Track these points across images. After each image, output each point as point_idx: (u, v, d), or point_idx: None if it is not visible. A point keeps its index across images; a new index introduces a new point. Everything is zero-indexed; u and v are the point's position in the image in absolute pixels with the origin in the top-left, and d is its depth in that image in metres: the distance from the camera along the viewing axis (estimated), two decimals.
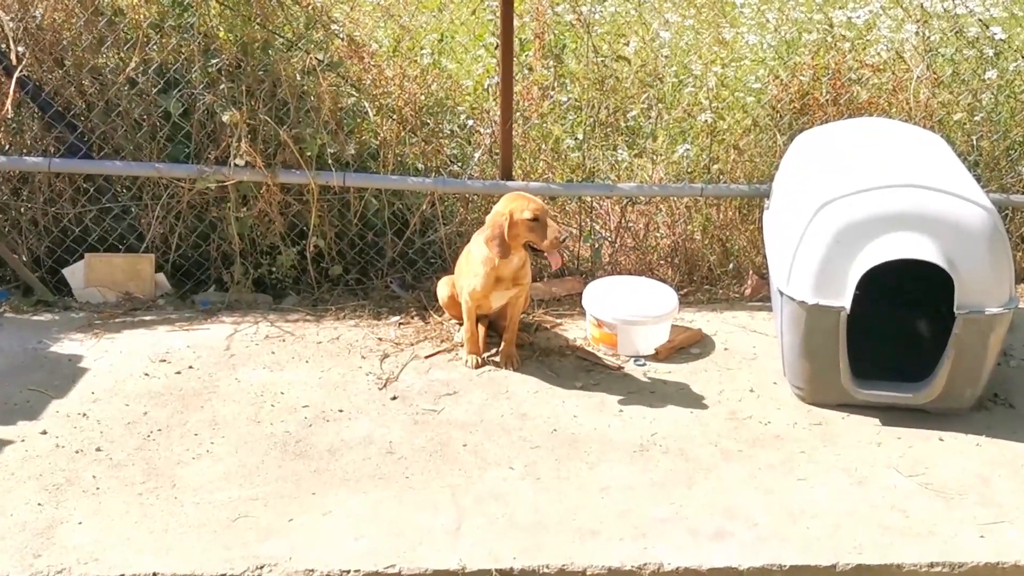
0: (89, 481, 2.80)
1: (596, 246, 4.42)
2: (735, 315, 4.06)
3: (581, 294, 3.85)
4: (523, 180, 4.25)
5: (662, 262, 4.53)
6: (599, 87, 4.36)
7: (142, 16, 3.88)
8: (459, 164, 4.37)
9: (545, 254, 3.19)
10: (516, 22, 3.97)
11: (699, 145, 4.36)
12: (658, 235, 4.56)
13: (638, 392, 3.37)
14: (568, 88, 4.45)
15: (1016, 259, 4.12)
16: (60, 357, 3.47)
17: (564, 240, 3.15)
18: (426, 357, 3.58)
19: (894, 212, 3.01)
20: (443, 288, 3.75)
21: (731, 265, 4.40)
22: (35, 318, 3.80)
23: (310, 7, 3.99)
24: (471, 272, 3.39)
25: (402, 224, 4.25)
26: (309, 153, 3.90)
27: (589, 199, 4.51)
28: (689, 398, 3.33)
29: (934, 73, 4.29)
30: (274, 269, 4.14)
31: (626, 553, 2.57)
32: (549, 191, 4.20)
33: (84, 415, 3.12)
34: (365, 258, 4.25)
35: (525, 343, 3.70)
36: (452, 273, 3.81)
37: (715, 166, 4.35)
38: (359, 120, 4.16)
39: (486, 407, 3.24)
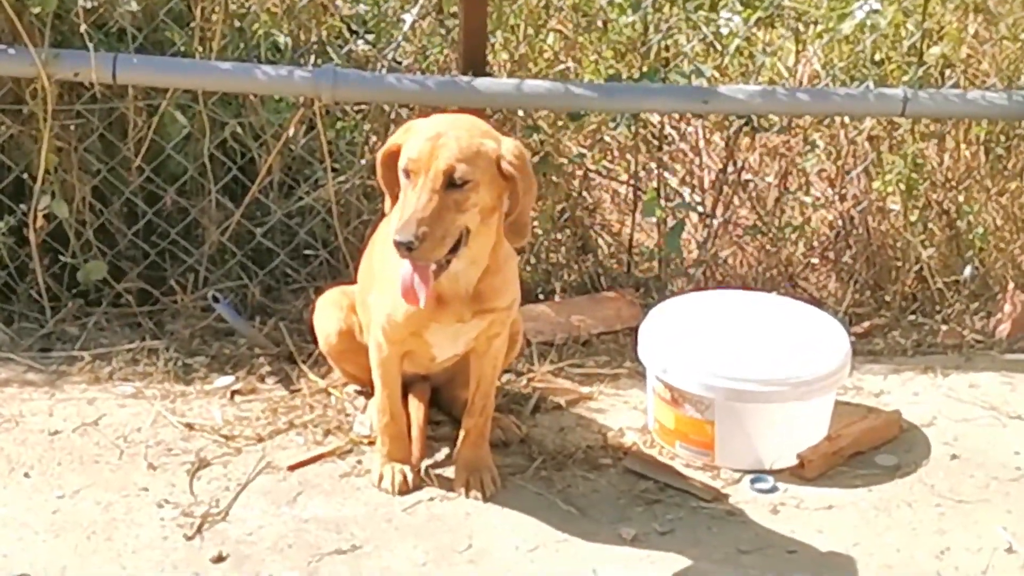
0: None
1: (672, 223, 4.43)
2: (975, 380, 4.06)
3: (636, 330, 3.85)
4: (509, 76, 4.24)
5: (815, 260, 4.54)
6: None
7: None
8: (369, 40, 4.37)
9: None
10: None
11: (896, 3, 4.38)
12: (807, 202, 4.58)
13: (759, 552, 3.35)
14: None
15: None
16: None
17: (406, 246, 3.06)
18: (291, 468, 3.57)
19: None
20: (329, 314, 3.75)
21: (967, 271, 4.44)
22: None
23: None
24: (387, 280, 3.41)
25: (242, 172, 4.26)
26: (36, 10, 3.89)
27: (657, 120, 4.50)
28: (873, 569, 3.31)
29: None
30: None
31: None
32: (568, 100, 4.19)
33: None
34: (158, 246, 4.26)
35: (511, 440, 3.70)
36: (350, 282, 3.81)
37: (933, 50, 4.37)
38: None
39: None
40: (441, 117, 3.27)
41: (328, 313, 3.74)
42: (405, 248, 3.05)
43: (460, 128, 3.17)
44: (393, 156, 3.22)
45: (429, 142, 3.11)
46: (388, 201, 3.33)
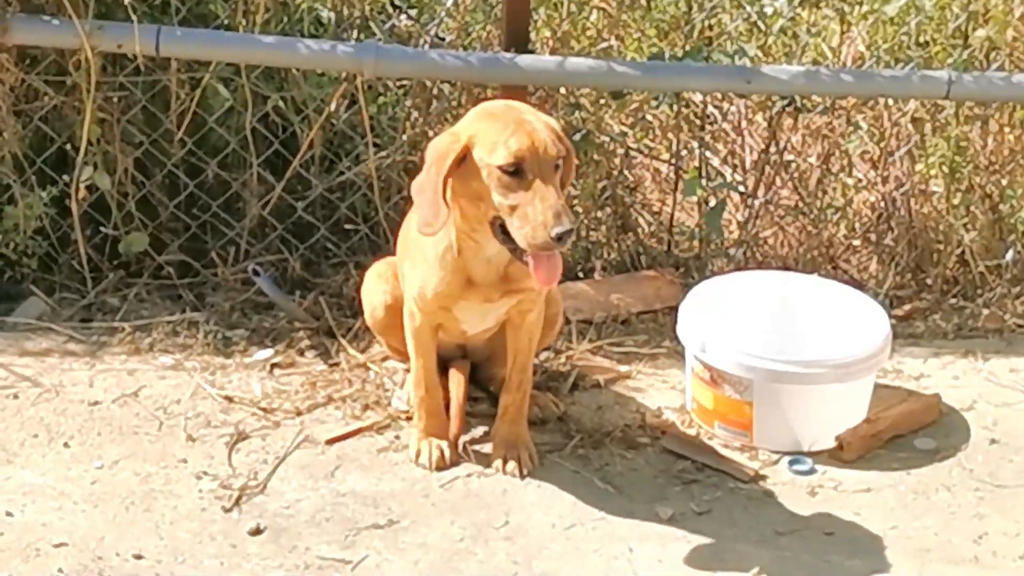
0: None
1: (713, 202, 4.43)
2: (1016, 365, 4.07)
3: (675, 309, 3.85)
4: (551, 54, 4.25)
5: (856, 242, 4.54)
6: None
7: None
8: (412, 15, 4.37)
9: (524, 255, 3.18)
10: None
11: None
12: (849, 183, 4.57)
13: (796, 534, 3.35)
14: None
15: None
16: None
17: (564, 236, 3.09)
18: (329, 442, 3.59)
19: None
20: (376, 287, 3.75)
21: (1009, 255, 4.43)
22: None
23: None
24: (421, 256, 3.41)
25: (284, 146, 4.28)
26: None
27: (700, 99, 4.49)
28: (910, 552, 3.30)
29: None
30: None
31: None
32: (610, 78, 4.19)
33: None
34: (199, 219, 4.28)
35: (549, 417, 3.71)
36: (393, 254, 3.79)
37: (978, 32, 4.35)
38: None
39: (460, 558, 3.23)
40: (493, 106, 3.30)
41: (375, 286, 3.74)
42: (568, 236, 3.09)
43: (528, 113, 3.21)
44: (462, 154, 3.17)
45: (525, 134, 3.12)
46: (444, 207, 3.18)
